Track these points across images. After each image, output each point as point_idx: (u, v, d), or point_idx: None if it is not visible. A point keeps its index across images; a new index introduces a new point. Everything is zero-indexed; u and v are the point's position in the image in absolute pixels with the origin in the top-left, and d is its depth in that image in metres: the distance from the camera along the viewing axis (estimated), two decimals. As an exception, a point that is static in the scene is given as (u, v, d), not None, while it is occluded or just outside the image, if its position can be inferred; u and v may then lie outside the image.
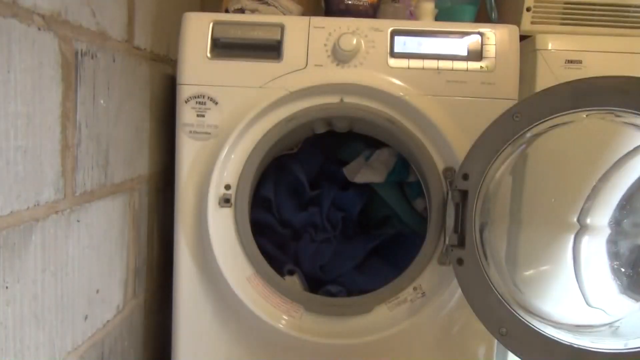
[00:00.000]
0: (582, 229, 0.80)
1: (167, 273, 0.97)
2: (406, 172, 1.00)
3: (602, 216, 0.80)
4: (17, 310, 0.55)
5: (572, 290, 0.79)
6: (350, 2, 0.96)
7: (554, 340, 0.69)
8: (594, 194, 0.80)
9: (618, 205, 0.79)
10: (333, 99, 0.85)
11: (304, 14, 0.99)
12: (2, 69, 0.51)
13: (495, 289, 0.73)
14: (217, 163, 0.84)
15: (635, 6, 0.98)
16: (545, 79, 0.90)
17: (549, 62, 0.91)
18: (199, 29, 0.86)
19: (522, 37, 0.92)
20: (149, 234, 0.93)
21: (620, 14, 0.99)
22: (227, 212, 0.86)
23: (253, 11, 0.96)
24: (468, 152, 0.76)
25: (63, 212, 0.63)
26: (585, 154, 0.80)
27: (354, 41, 0.84)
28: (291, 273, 0.96)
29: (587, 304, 0.78)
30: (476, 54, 0.85)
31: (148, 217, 0.92)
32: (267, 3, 0.96)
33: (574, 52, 0.91)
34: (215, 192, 0.85)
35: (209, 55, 0.85)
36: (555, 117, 0.71)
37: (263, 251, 0.89)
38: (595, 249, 0.80)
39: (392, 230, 1.04)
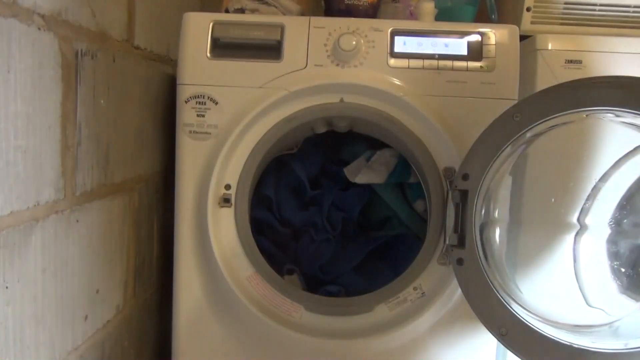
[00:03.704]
0: (582, 229, 0.80)
1: (167, 273, 0.97)
2: (407, 174, 1.00)
3: (602, 216, 0.80)
4: (17, 310, 0.55)
5: (572, 290, 0.79)
6: (350, 2, 0.96)
7: (553, 340, 0.69)
8: (594, 194, 0.80)
9: (618, 205, 0.79)
10: (333, 99, 0.85)
11: (304, 14, 0.99)
12: (2, 69, 0.51)
13: (495, 289, 0.73)
14: (217, 163, 0.84)
15: (635, 6, 0.98)
16: (545, 79, 0.89)
17: (549, 62, 0.91)
18: (199, 29, 0.86)
19: (522, 37, 0.92)
20: (149, 234, 0.93)
21: (620, 14, 0.98)
22: (227, 212, 0.86)
23: (253, 11, 0.96)
24: (468, 152, 0.76)
25: (63, 212, 0.63)
26: (585, 154, 0.80)
27: (354, 41, 0.84)
28: (290, 272, 0.96)
29: (587, 304, 0.78)
30: (476, 54, 0.85)
31: (148, 217, 0.92)
32: (267, 3, 0.96)
33: (574, 52, 0.91)
34: (215, 192, 0.85)
35: (209, 55, 0.85)
36: (555, 117, 0.71)
37: (262, 250, 0.89)
38: (595, 248, 0.80)
39: (392, 232, 1.04)
